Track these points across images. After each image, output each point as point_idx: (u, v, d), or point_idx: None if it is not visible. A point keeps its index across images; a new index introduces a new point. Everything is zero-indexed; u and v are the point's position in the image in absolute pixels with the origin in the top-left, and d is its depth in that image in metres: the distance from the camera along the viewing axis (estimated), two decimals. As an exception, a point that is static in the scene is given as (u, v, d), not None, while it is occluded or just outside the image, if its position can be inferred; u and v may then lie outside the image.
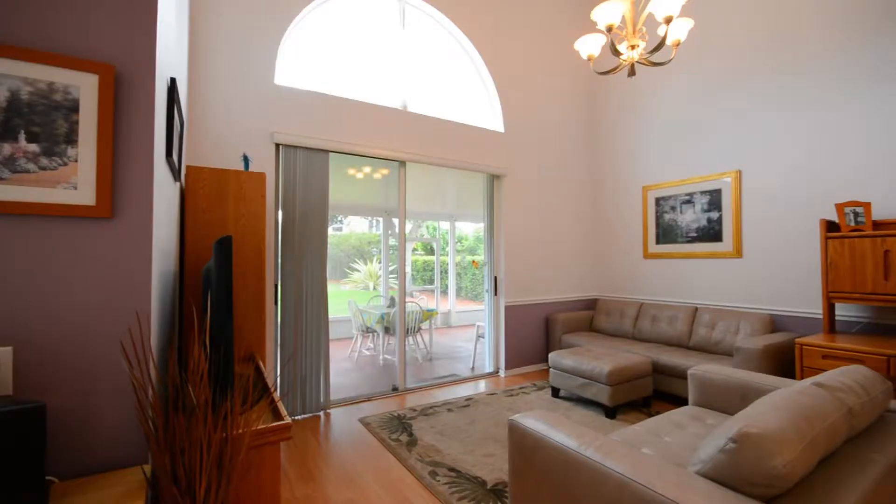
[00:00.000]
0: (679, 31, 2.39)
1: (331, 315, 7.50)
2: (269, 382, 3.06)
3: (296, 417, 3.29)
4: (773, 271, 3.63)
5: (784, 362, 3.16)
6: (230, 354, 1.30)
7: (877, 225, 3.00)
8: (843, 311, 3.20)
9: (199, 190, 2.17)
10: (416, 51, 4.19)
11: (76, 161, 1.16)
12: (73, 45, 1.17)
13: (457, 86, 4.47)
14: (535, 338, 4.78)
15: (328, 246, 3.49)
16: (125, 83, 1.25)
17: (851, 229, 2.99)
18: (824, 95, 3.34)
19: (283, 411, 1.41)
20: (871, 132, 3.10)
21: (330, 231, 13.61)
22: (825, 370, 2.56)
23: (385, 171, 5.60)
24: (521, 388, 4.06)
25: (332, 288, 11.75)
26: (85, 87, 1.17)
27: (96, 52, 1.21)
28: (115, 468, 1.19)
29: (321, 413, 3.41)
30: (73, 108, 1.16)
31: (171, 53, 1.79)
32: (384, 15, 4.02)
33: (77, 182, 1.16)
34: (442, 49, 4.37)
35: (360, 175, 5.66)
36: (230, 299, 1.28)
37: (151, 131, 1.29)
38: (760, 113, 3.73)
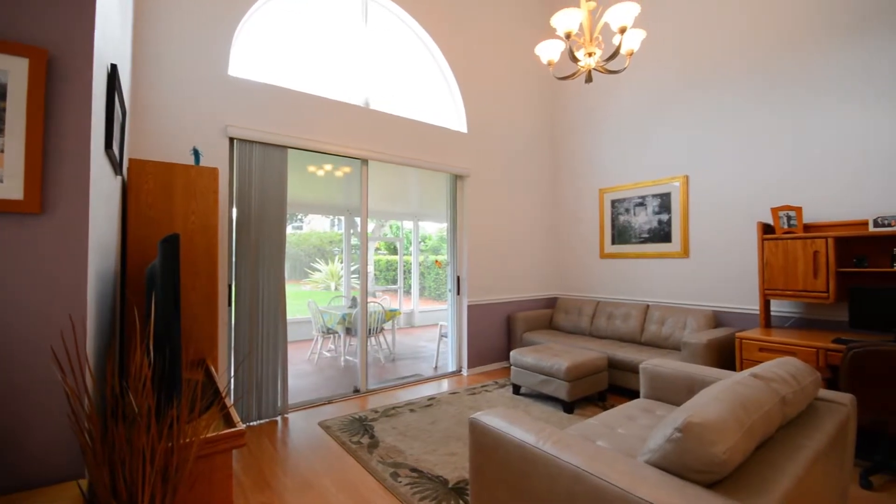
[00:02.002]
0: (632, 41, 2.50)
1: (290, 316, 7.23)
2: (222, 387, 2.92)
3: (251, 423, 3.17)
4: (717, 270, 3.87)
5: (726, 355, 3.38)
6: (177, 359, 1.23)
7: (807, 228, 3.27)
8: (777, 307, 3.46)
9: (144, 185, 2.04)
10: (379, 48, 4.14)
11: (2, 151, 1.06)
12: (1, 28, 1.07)
13: (420, 85, 4.46)
14: (497, 336, 4.85)
15: (287, 245, 3.38)
16: (60, 68, 1.15)
17: (785, 232, 3.24)
18: (761, 109, 3.59)
19: (236, 417, 1.35)
20: (803, 143, 3.37)
21: (289, 230, 13.19)
22: (762, 362, 2.76)
23: (347, 169, 5.49)
24: (483, 386, 4.11)
25: (291, 288, 11.36)
26: (14, 72, 1.08)
27: (28, 34, 1.11)
28: (49, 484, 1.10)
29: (278, 418, 3.29)
30: (0, 94, 1.06)
31: (113, 38, 1.67)
32: (346, 10, 3.95)
33: (2, 174, 1.06)
34: (405, 48, 4.35)
35: (320, 173, 5.52)
36: (177, 301, 1.21)
37: (88, 121, 1.20)
38: (705, 123, 3.96)
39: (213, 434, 1.24)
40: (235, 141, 3.16)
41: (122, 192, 2.09)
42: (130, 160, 2.09)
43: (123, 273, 2.10)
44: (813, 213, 3.31)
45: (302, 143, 3.45)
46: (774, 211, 3.27)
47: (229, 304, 3.14)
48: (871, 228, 2.83)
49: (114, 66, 1.57)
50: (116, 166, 1.77)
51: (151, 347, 1.28)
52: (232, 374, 3.09)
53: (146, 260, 2.03)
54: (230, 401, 3.06)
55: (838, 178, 3.19)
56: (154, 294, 1.35)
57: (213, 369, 1.92)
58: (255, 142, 3.21)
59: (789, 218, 3.24)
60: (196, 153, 2.43)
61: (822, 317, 3.24)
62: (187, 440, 1.14)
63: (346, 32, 3.95)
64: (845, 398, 1.79)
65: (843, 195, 3.17)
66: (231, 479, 1.32)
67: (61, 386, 1.13)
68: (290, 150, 3.44)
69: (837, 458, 1.59)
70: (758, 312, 3.53)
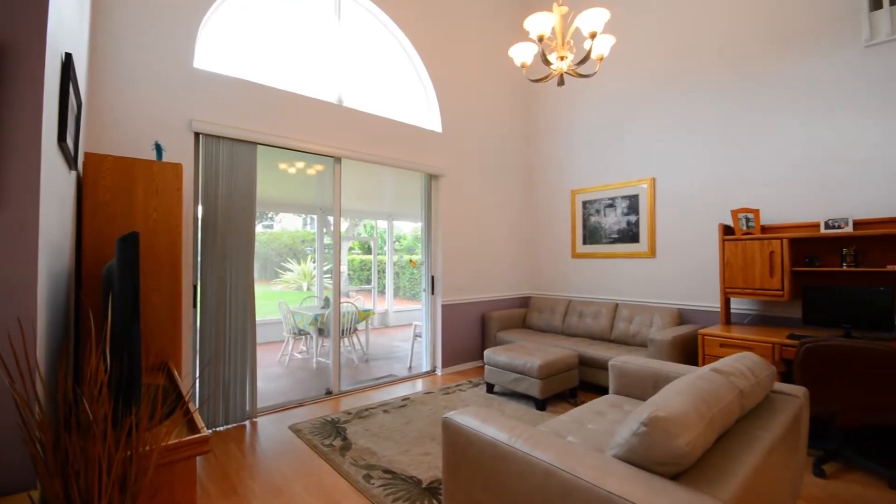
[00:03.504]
0: (602, 46, 2.56)
1: (260, 317, 7.04)
2: (185, 392, 2.82)
3: (217, 429, 3.06)
4: (681, 269, 4.02)
5: (690, 351, 3.51)
6: (136, 363, 1.17)
7: (764, 229, 3.44)
8: (737, 305, 3.63)
9: (101, 180, 1.94)
10: (353, 45, 4.09)
11: (-64, 141, 0.99)
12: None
13: (395, 83, 4.43)
14: (471, 336, 4.87)
15: (256, 244, 3.29)
16: (8, 56, 1.08)
17: (744, 233, 3.40)
18: (721, 116, 3.76)
19: (200, 423, 1.31)
20: (760, 148, 3.55)
21: (259, 228, 12.85)
22: (722, 357, 2.88)
23: (319, 167, 5.39)
24: (457, 385, 4.12)
25: (261, 289, 11.07)
26: (-50, 56, 1.00)
27: (-33, 16, 1.03)
28: (-4, 497, 1.03)
29: (247, 422, 3.20)
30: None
31: (68, 25, 1.58)
32: (319, 5, 3.87)
33: (-63, 166, 0.99)
34: (380, 45, 4.31)
35: (292, 170, 5.40)
36: (136, 302, 1.16)
37: (40, 112, 1.13)
38: (671, 128, 4.11)
39: (175, 441, 1.19)
40: (201, 136, 3.05)
41: (77, 188, 1.98)
42: (87, 154, 1.98)
43: (79, 273, 1.99)
44: (770, 216, 3.48)
45: (272, 139, 3.36)
46: (734, 213, 3.43)
47: (194, 306, 3.03)
48: (823, 230, 3.00)
49: (68, 55, 1.49)
50: (71, 161, 1.67)
51: (108, 351, 1.22)
52: (197, 377, 2.98)
53: (104, 259, 1.93)
54: (194, 406, 2.96)
55: (793, 182, 3.37)
56: (111, 295, 1.29)
57: (176, 373, 1.85)
58: (223, 137, 3.11)
59: (748, 219, 3.40)
60: (158, 148, 2.33)
61: (777, 314, 3.42)
62: (147, 448, 1.09)
63: (319, 28, 3.87)
64: (799, 391, 1.90)
65: (798, 198, 3.35)
66: (195, 487, 1.27)
67: (9, 393, 1.06)
68: (259, 146, 3.35)
69: (792, 448, 1.68)
70: (719, 310, 3.69)
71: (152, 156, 2.75)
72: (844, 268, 2.89)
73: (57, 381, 1.41)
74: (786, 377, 2.86)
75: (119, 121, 2.71)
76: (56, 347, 1.45)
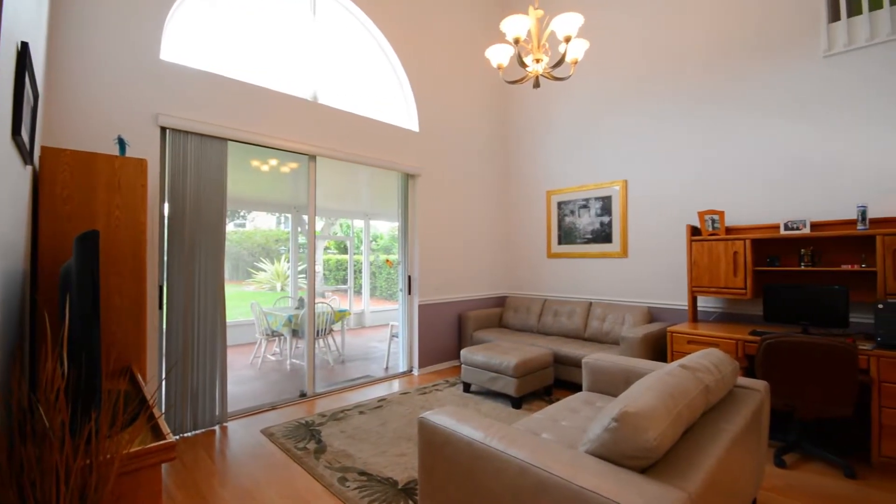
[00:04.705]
0: (577, 50, 2.60)
1: (231, 319, 6.87)
2: (150, 397, 2.71)
3: (185, 435, 2.96)
4: (652, 269, 4.14)
5: (659, 348, 3.62)
6: (96, 368, 1.12)
7: (729, 230, 3.58)
8: (703, 303, 3.77)
9: (59, 175, 1.84)
10: (328, 42, 4.02)
11: None
12: None
13: (371, 82, 4.39)
14: (448, 335, 4.88)
15: (228, 243, 3.19)
16: (-51, 40, 1.01)
17: (710, 234, 3.53)
18: (688, 121, 3.89)
19: (166, 429, 1.26)
20: (725, 153, 3.69)
21: (231, 227, 12.50)
22: (690, 353, 2.98)
23: (294, 165, 5.29)
24: (434, 385, 4.12)
25: (233, 289, 10.77)
26: None
27: None
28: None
29: (216, 427, 3.11)
30: None
31: (24, 13, 1.50)
32: (294, 0, 3.79)
33: None
34: (356, 43, 4.26)
35: (265, 168, 5.27)
36: (96, 303, 1.11)
37: (-12, 102, 1.07)
38: (642, 131, 4.23)
39: (138, 448, 1.14)
40: (168, 131, 2.93)
41: (33, 183, 1.87)
42: (44, 148, 1.87)
43: (34, 274, 1.88)
44: (735, 217, 3.63)
45: (244, 135, 3.27)
46: (701, 214, 3.55)
47: (160, 307, 2.91)
48: (782, 231, 3.15)
49: (24, 45, 1.41)
50: (26, 155, 1.58)
51: (65, 355, 1.16)
52: (163, 381, 2.88)
53: (62, 259, 1.84)
54: (159, 411, 2.85)
55: (755, 185, 3.52)
56: (69, 296, 1.23)
57: (139, 378, 1.78)
58: (191, 132, 3.01)
59: (713, 221, 3.53)
60: (121, 142, 2.23)
61: (741, 311, 3.57)
62: (108, 456, 1.04)
63: (294, 23, 3.80)
64: (760, 385, 1.98)
65: (760, 201, 3.50)
66: (161, 496, 1.22)
67: (-48, 402, 0.99)
68: (230, 142, 3.26)
69: (754, 440, 1.75)
70: (687, 308, 3.82)
71: (115, 151, 2.64)
72: (802, 267, 3.04)
73: (10, 387, 1.33)
74: (749, 372, 2.98)
75: (80, 114, 2.59)
76: (9, 351, 1.37)
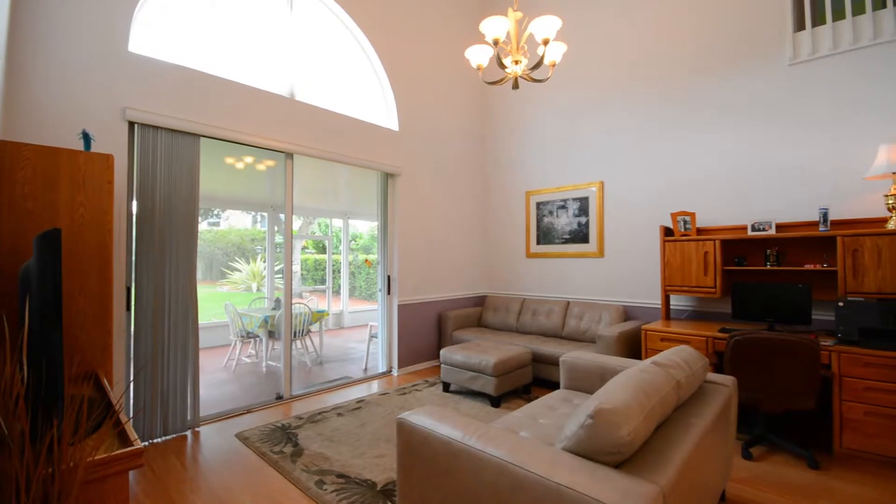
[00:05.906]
0: (554, 53, 2.64)
1: (204, 321, 6.67)
2: (116, 402, 2.61)
3: (154, 440, 2.86)
4: (627, 269, 4.24)
5: (634, 345, 3.71)
6: (58, 372, 1.07)
7: (700, 231, 3.70)
8: (676, 302, 3.88)
9: (19, 172, 1.75)
10: (306, 38, 3.96)
11: None
12: None
13: (350, 79, 4.34)
14: (427, 335, 4.87)
15: (201, 243, 3.10)
16: None
17: (682, 234, 3.63)
18: (661, 124, 4.00)
19: (133, 435, 1.21)
20: (698, 157, 3.81)
21: (204, 226, 12.17)
22: (662, 350, 3.07)
23: (270, 163, 5.18)
24: (413, 385, 4.11)
25: (206, 290, 10.48)
26: None
27: None
28: None
29: (188, 432, 3.02)
30: None
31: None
32: (269, -6, 3.72)
33: None
34: (335, 40, 4.20)
35: (240, 165, 5.15)
36: (57, 305, 1.06)
37: (-63, 91, 1.00)
38: (619, 134, 4.32)
39: (104, 455, 1.10)
40: (137, 125, 2.83)
41: (-12, 179, 1.77)
42: (3, 143, 1.78)
43: (-10, 274, 1.79)
44: (705, 219, 3.75)
45: (218, 132, 3.19)
46: (673, 216, 3.66)
47: (128, 309, 2.81)
48: (750, 232, 3.27)
49: (-25, 30, 1.33)
50: (-21, 148, 1.50)
51: (25, 360, 1.10)
52: (130, 385, 2.77)
53: (22, 259, 1.75)
54: (126, 417, 2.75)
55: (724, 187, 3.65)
56: (29, 298, 1.17)
57: (105, 382, 1.71)
58: (161, 128, 2.91)
59: (685, 222, 3.64)
60: (86, 137, 2.14)
61: (711, 309, 3.69)
62: (71, 464, 1.00)
63: (270, 18, 3.72)
64: (728, 380, 2.06)
65: (729, 203, 3.63)
66: (127, 504, 1.18)
67: None
68: (203, 138, 3.17)
69: (722, 433, 1.81)
70: (660, 306, 3.92)
71: (79, 146, 2.53)
72: (768, 267, 3.16)
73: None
74: (718, 368, 3.09)
75: (42, 107, 2.47)
76: (-40, 357, 1.29)
